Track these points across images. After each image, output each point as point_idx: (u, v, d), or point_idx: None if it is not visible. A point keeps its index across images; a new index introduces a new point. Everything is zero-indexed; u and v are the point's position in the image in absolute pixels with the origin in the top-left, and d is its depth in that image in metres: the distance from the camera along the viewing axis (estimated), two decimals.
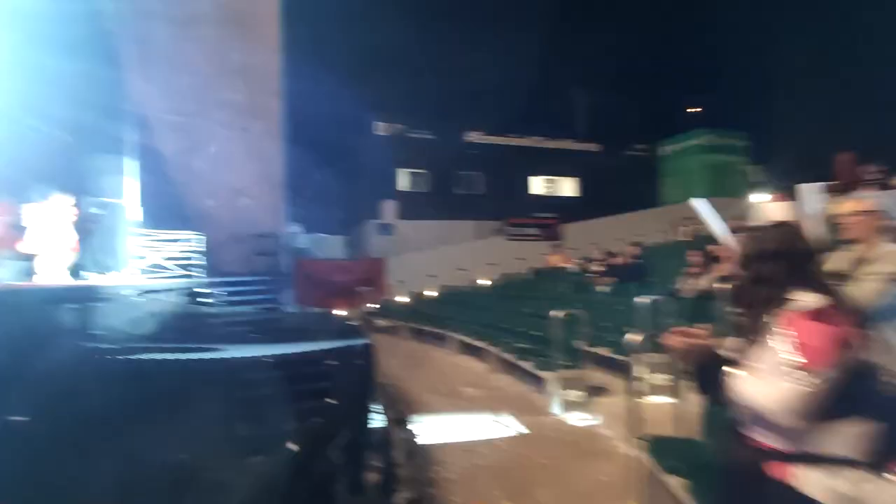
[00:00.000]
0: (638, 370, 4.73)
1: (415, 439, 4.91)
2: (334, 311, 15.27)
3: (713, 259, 6.65)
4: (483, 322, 9.52)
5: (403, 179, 20.05)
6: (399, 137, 19.65)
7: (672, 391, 4.34)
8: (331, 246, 16.74)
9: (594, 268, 10.77)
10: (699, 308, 5.62)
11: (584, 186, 22.17)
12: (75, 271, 9.51)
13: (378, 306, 14.63)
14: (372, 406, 4.71)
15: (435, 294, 14.24)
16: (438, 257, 16.22)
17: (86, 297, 5.98)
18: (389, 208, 18.56)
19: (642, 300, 5.68)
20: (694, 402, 3.02)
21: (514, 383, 7.04)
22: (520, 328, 8.19)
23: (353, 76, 17.52)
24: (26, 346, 3.45)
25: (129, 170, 10.78)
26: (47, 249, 8.39)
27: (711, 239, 6.11)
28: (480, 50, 19.39)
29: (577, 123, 23.85)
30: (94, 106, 9.97)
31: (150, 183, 12.13)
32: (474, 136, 20.76)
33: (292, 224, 15.80)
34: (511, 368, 7.37)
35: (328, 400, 3.52)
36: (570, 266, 13.76)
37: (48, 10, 7.42)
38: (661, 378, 5.07)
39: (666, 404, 4.33)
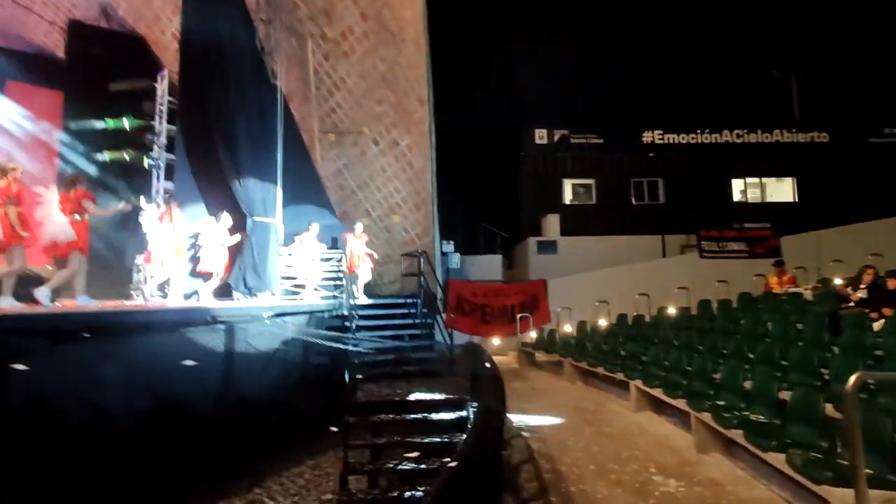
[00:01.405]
0: None
1: None
2: (490, 337, 13.69)
3: None
4: (675, 366, 6.86)
5: (568, 191, 17.78)
6: (562, 144, 17.49)
7: None
8: (485, 266, 15.19)
9: (856, 294, 7.32)
10: None
11: (804, 188, 17.29)
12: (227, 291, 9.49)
13: (537, 336, 12.54)
14: None
15: (607, 324, 11.66)
16: (611, 279, 13.54)
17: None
18: (552, 223, 16.43)
19: None
20: None
21: (748, 481, 4.41)
22: (731, 381, 5.45)
23: (508, 79, 16.09)
24: None
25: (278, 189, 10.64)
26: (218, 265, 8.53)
27: None
28: (656, 32, 16.44)
29: (790, 109, 19.03)
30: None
31: (295, 201, 12.00)
32: (652, 136, 17.60)
33: (443, 242, 14.69)
34: (733, 449, 4.75)
35: None
36: (802, 291, 10.11)
37: None
38: None
39: None
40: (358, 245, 10.93)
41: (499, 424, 4.45)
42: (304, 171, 13.05)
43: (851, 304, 7.41)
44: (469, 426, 4.41)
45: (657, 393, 6.34)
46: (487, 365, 5.66)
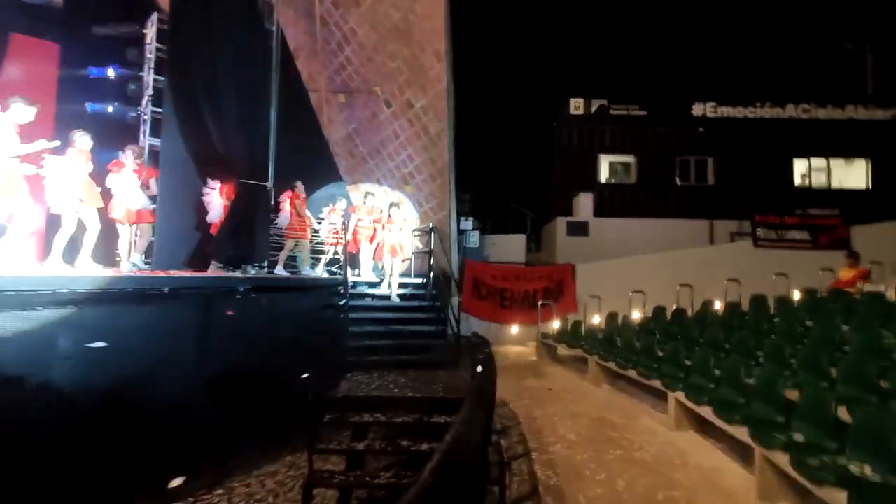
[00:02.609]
0: None
1: None
2: (511, 325, 12.38)
3: None
4: (729, 378, 5.43)
5: (605, 168, 16.11)
6: (601, 116, 15.78)
7: None
8: (507, 246, 13.82)
9: None
10: None
11: (879, 172, 15.13)
12: None
13: (560, 327, 11.18)
14: None
15: (642, 318, 10.18)
16: (649, 267, 11.97)
17: None
18: (585, 202, 14.86)
19: None
20: None
21: None
22: (813, 407, 4.02)
23: (542, 39, 14.46)
24: None
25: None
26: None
27: None
28: None
29: (863, 84, 16.71)
30: None
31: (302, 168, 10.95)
32: (704, 109, 15.68)
33: (462, 218, 13.40)
34: (810, 500, 3.37)
35: None
36: (882, 290, 8.42)
37: None
38: None
39: None
40: (365, 221, 9.80)
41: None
42: (311, 136, 11.94)
43: None
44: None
45: (706, 413, 4.95)
46: (479, 369, 4.39)
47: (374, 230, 9.68)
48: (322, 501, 5.04)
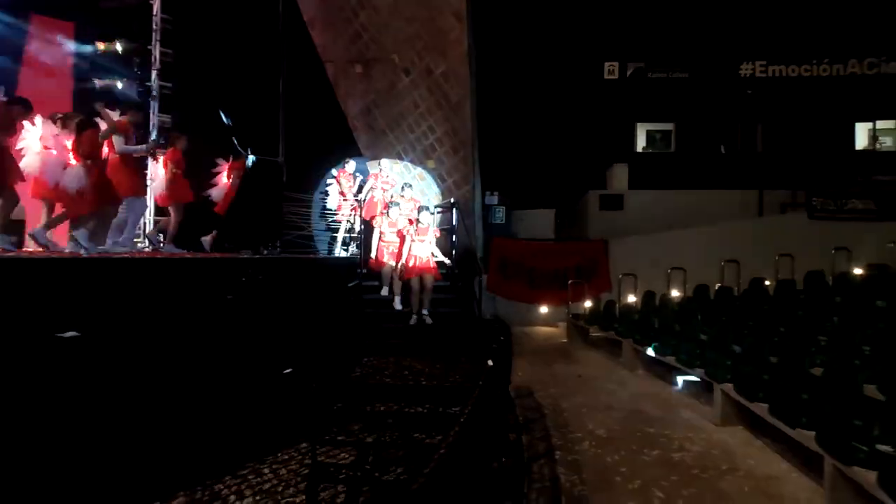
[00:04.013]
0: None
1: None
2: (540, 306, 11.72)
3: None
4: (788, 370, 4.70)
5: (642, 137, 15.03)
6: (638, 80, 14.66)
7: None
8: (537, 222, 13.08)
9: None
10: None
11: None
12: None
13: (592, 307, 10.48)
14: None
15: (682, 296, 9.37)
16: (689, 242, 11.04)
17: None
18: (620, 174, 13.91)
19: None
20: None
21: None
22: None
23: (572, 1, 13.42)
24: None
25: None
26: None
27: None
28: None
29: None
30: None
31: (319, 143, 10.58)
32: (753, 68, 14.34)
33: (487, 193, 12.69)
34: None
35: None
36: None
37: None
38: None
39: None
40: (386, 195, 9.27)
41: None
42: (327, 110, 11.46)
43: None
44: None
45: (760, 410, 4.25)
46: (490, 363, 3.83)
47: (401, 242, 8.01)
48: (330, 494, 4.64)
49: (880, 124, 13.93)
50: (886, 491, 2.69)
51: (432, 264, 7.92)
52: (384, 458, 4.96)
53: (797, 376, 4.45)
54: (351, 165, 10.02)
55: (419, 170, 11.08)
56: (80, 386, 3.76)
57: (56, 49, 9.92)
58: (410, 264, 7.75)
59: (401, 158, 11.18)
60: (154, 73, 9.29)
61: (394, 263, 7.92)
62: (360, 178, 9.99)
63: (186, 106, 9.53)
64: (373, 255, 8.03)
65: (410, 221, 8.21)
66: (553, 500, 3.50)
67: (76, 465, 3.57)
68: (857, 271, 8.58)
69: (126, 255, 5.50)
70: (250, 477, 4.70)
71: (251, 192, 8.09)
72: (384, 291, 8.09)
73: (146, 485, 3.99)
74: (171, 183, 6.69)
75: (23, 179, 5.53)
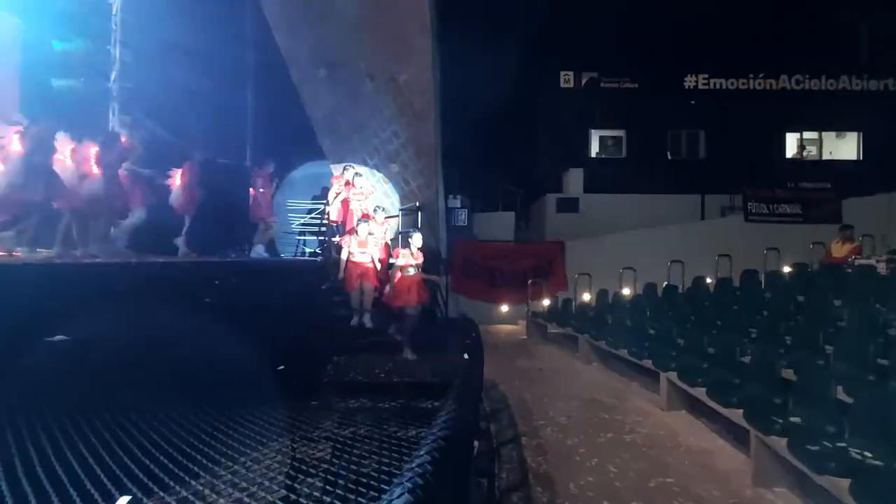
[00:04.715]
0: None
1: None
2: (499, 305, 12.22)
3: None
4: (724, 358, 5.30)
5: (595, 143, 15.82)
6: (591, 90, 15.41)
7: None
8: (496, 224, 13.58)
9: None
10: None
11: (870, 145, 15.00)
12: None
13: (550, 305, 11.05)
14: None
15: (633, 295, 10.06)
16: (640, 243, 11.80)
17: None
18: (575, 178, 14.61)
19: None
20: None
21: None
22: (811, 387, 3.90)
23: (531, 9, 14.00)
24: None
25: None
26: None
27: None
28: None
29: (856, 55, 16.41)
30: None
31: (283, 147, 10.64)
32: (696, 81, 15.36)
33: (450, 197, 13.09)
34: (810, 483, 3.24)
35: None
36: (874, 263, 8.31)
37: None
38: None
39: None
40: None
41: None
42: (291, 113, 11.54)
43: None
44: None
45: (699, 394, 4.81)
46: (465, 356, 4.20)
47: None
48: (308, 488, 4.86)
49: (807, 135, 15.22)
50: (794, 453, 3.23)
51: (370, 273, 7.37)
52: (359, 451, 5.25)
53: (730, 364, 5.04)
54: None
55: (381, 174, 11.34)
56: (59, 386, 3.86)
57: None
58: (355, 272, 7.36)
59: (365, 163, 11.40)
60: (113, 75, 9.16)
61: (368, 286, 7.36)
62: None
63: (147, 107, 9.41)
64: (340, 275, 7.48)
65: (385, 247, 7.91)
66: (522, 477, 3.90)
67: (49, 465, 3.67)
68: (786, 269, 9.49)
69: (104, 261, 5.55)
70: (227, 475, 4.88)
71: (220, 196, 8.13)
72: (354, 322, 7.34)
73: (120, 486, 4.10)
74: None
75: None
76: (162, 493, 4.30)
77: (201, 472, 4.72)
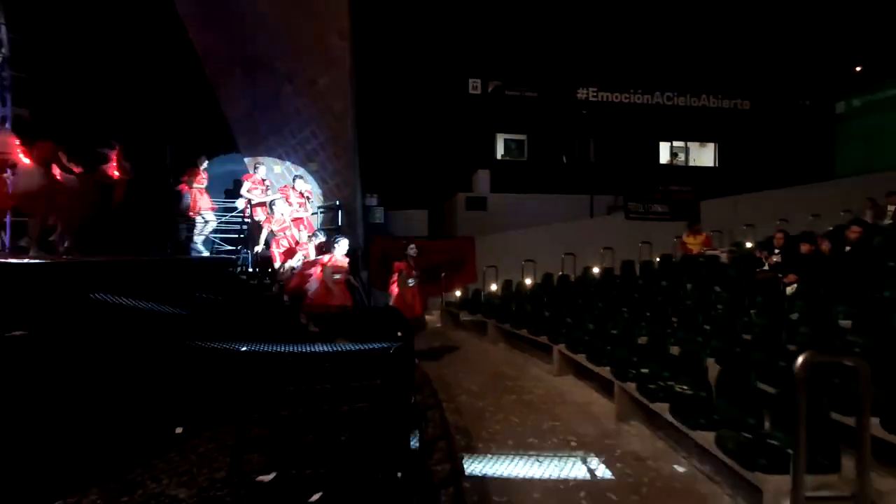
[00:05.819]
0: None
1: None
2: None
3: None
4: (599, 331, 6.61)
5: (500, 146, 17.19)
6: (497, 96, 16.74)
7: None
8: (412, 221, 14.46)
9: (772, 258, 7.34)
10: None
11: (724, 154, 17.82)
12: None
13: (462, 295, 12.14)
14: None
15: (533, 284, 11.42)
16: (539, 238, 13.28)
17: None
18: (483, 178, 15.86)
19: None
20: None
21: (669, 454, 4.15)
22: (656, 348, 5.23)
23: (444, 20, 14.97)
24: None
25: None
26: None
27: None
28: None
29: (717, 75, 19.29)
30: None
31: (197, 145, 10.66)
32: (587, 93, 17.25)
33: (367, 195, 13.75)
34: (654, 419, 4.48)
35: None
36: (718, 254, 10.26)
37: None
38: None
39: None
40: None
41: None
42: (207, 111, 11.55)
43: (766, 267, 7.44)
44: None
45: (581, 359, 6.04)
46: (400, 333, 5.03)
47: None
48: (250, 467, 5.38)
49: (676, 144, 17.71)
50: (641, 393, 4.45)
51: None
52: (298, 429, 5.88)
53: (604, 335, 6.33)
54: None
55: (301, 171, 11.74)
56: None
57: None
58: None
59: (282, 160, 11.74)
60: (2, 61, 8.66)
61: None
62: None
63: (46, 98, 9.08)
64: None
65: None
66: (444, 430, 4.81)
67: None
68: (656, 259, 11.31)
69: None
70: (175, 458, 5.27)
71: (137, 195, 8.18)
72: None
73: (57, 481, 4.25)
74: None
75: None
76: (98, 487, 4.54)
77: (140, 463, 5.03)
